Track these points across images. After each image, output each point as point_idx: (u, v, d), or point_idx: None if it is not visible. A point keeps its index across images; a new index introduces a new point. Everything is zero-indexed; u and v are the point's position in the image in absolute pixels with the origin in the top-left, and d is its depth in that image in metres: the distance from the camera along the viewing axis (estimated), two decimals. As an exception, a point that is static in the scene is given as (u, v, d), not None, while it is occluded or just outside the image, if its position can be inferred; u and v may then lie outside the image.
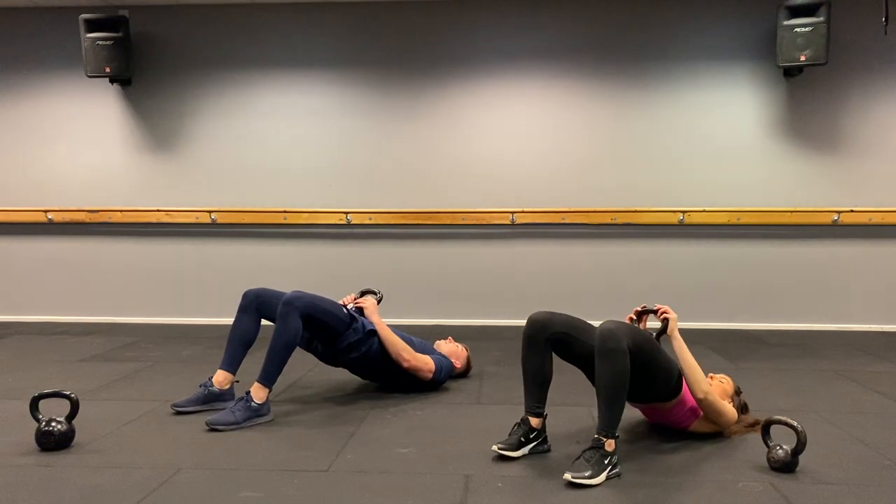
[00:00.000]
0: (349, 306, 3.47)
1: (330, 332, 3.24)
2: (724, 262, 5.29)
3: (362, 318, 3.43)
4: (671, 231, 5.31)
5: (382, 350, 3.38)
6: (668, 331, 2.74)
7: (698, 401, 2.69)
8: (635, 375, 2.47)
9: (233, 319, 3.29)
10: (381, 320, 3.43)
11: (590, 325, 2.73)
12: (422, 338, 3.68)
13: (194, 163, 5.49)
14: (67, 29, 5.36)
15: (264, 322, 3.30)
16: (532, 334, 2.69)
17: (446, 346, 3.74)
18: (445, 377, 3.57)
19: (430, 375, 3.45)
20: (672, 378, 2.67)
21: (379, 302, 3.55)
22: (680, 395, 2.72)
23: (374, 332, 3.37)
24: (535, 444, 2.64)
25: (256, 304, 3.28)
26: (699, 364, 2.69)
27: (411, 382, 3.46)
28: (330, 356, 3.39)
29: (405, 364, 3.38)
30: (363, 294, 3.61)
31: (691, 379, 2.66)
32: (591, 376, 2.72)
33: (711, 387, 2.84)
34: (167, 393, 3.45)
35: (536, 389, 2.67)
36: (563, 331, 2.69)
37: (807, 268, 5.25)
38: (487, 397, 3.45)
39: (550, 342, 2.68)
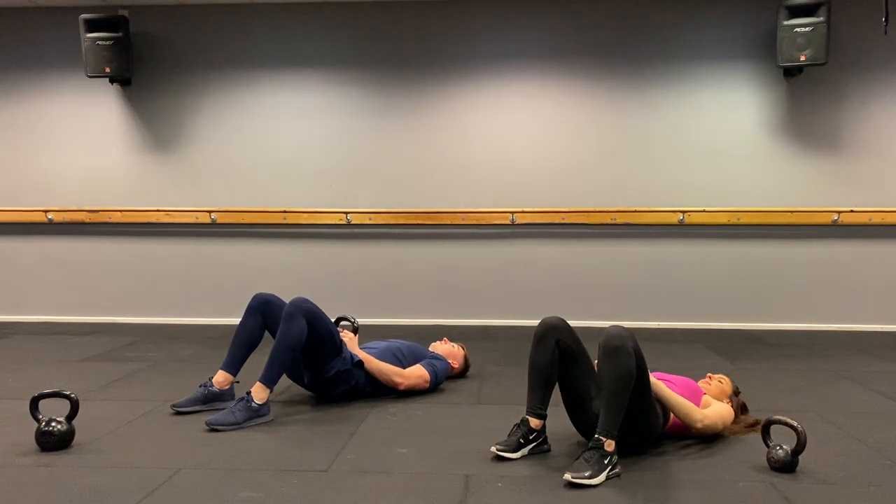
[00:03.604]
0: None
1: (322, 351, 3.18)
2: (724, 262, 5.29)
3: (346, 349, 3.35)
4: (671, 231, 5.31)
5: (370, 380, 3.35)
6: None
7: (697, 430, 2.69)
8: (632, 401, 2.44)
9: (233, 319, 3.29)
10: (363, 351, 3.38)
11: (591, 361, 2.71)
12: (420, 338, 3.68)
13: (194, 163, 5.49)
14: (67, 29, 5.36)
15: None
16: (543, 333, 2.67)
17: (442, 348, 3.73)
18: (442, 379, 3.56)
19: (427, 385, 3.45)
20: (658, 415, 2.63)
21: (356, 331, 3.52)
22: (669, 422, 2.71)
23: (361, 364, 3.31)
24: (534, 444, 2.63)
25: (263, 309, 3.27)
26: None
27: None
28: (319, 386, 3.30)
29: (401, 388, 3.37)
30: (337, 322, 3.56)
31: (683, 415, 2.64)
32: (569, 406, 2.72)
33: (708, 390, 2.84)
34: (167, 393, 3.44)
35: (540, 390, 2.66)
36: (571, 344, 2.67)
37: (807, 268, 5.25)
38: (487, 397, 3.45)
39: (558, 347, 2.66)
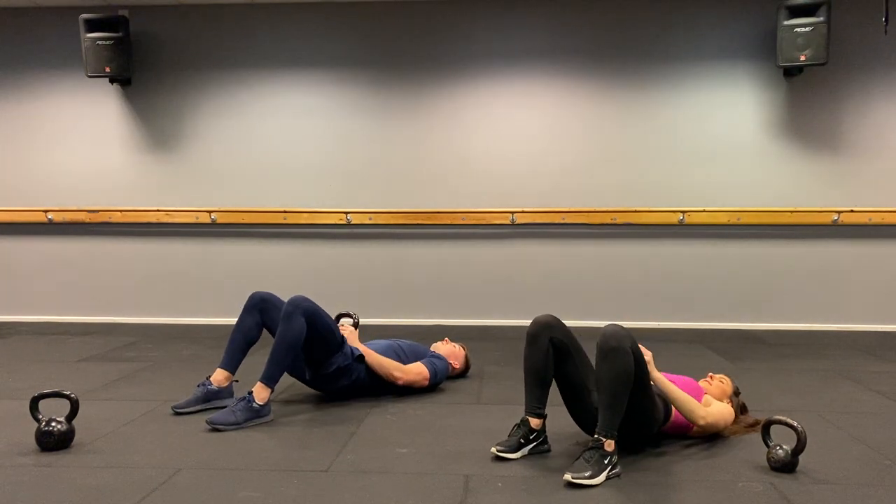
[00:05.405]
0: None
1: (323, 347, 3.20)
2: (724, 262, 5.29)
3: (347, 344, 3.38)
4: (671, 231, 5.31)
5: (370, 375, 3.36)
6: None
7: (699, 427, 2.69)
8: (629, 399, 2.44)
9: (233, 319, 3.30)
10: (363, 345, 3.40)
11: (586, 355, 2.71)
12: (421, 338, 3.68)
13: (194, 163, 5.49)
14: (67, 29, 5.36)
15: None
16: (536, 332, 2.68)
17: (444, 348, 3.74)
18: (442, 378, 3.57)
19: (427, 383, 3.45)
20: (658, 410, 2.62)
21: (356, 326, 3.54)
22: (671, 419, 2.71)
23: (362, 358, 3.33)
24: (534, 444, 2.64)
25: (261, 307, 3.28)
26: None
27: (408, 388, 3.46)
28: (320, 381, 3.32)
29: (399, 383, 3.37)
30: (339, 318, 3.59)
31: (686, 410, 2.63)
32: (568, 401, 2.72)
33: (709, 389, 2.84)
34: (167, 393, 3.45)
35: (538, 389, 2.66)
36: (565, 340, 2.67)
37: (807, 268, 5.25)
38: (487, 397, 3.45)
39: (552, 344, 2.67)
